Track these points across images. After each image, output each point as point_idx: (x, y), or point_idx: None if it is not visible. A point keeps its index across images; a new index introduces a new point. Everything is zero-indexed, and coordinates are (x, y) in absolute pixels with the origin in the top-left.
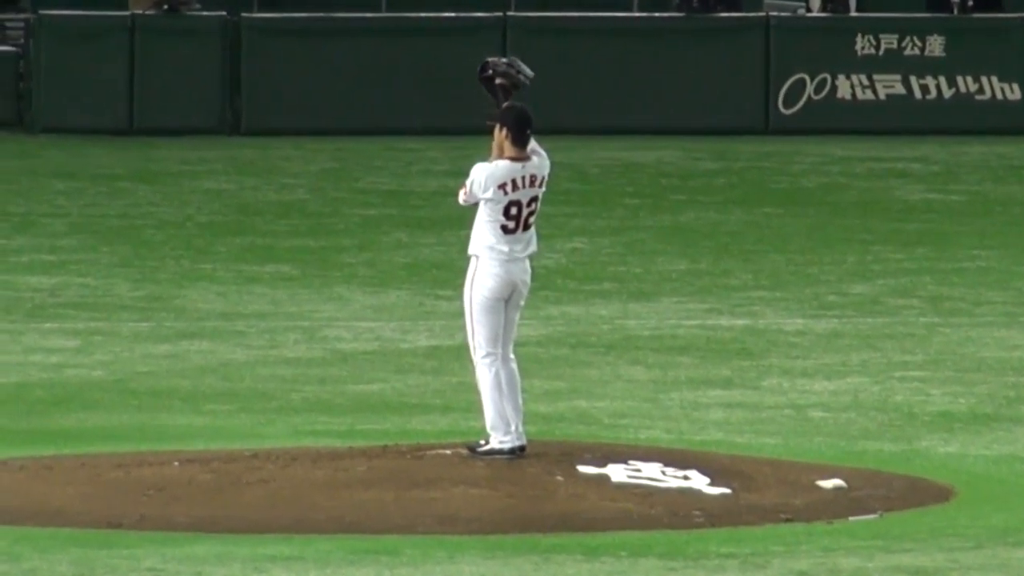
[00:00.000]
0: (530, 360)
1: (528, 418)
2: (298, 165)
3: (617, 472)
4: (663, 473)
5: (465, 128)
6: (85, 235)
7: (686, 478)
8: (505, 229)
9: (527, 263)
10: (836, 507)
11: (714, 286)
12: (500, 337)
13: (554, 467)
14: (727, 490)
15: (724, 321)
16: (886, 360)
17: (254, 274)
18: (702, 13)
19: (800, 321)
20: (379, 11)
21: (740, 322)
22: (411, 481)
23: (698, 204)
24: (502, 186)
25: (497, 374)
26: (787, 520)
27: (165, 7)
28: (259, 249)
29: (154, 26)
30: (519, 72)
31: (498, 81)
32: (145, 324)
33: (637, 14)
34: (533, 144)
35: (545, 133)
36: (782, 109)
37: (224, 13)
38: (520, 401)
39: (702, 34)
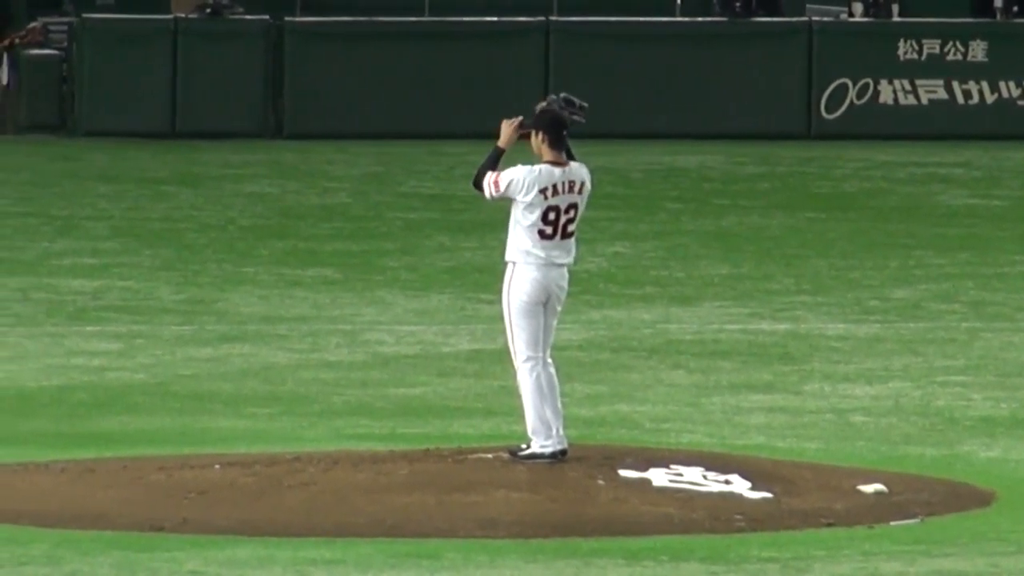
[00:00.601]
0: (572, 364)
1: (569, 422)
2: (341, 169)
3: (659, 476)
4: (704, 477)
5: None
6: (127, 238)
7: (728, 482)
8: (542, 234)
9: (565, 271)
10: (877, 511)
11: (756, 290)
12: (540, 341)
13: (596, 471)
14: (768, 494)
15: (766, 325)
16: (928, 365)
17: (296, 278)
18: (744, 18)
19: (842, 326)
20: (422, 15)
21: (782, 327)
22: (452, 485)
23: (741, 208)
24: (543, 190)
25: (538, 378)
26: (828, 524)
27: (208, 11)
28: (301, 253)
29: (197, 30)
30: (578, 107)
31: (574, 117)
32: (187, 327)
33: (680, 19)
34: (577, 166)
35: (588, 138)
36: (825, 114)
37: (267, 17)
38: (560, 405)
39: (745, 39)
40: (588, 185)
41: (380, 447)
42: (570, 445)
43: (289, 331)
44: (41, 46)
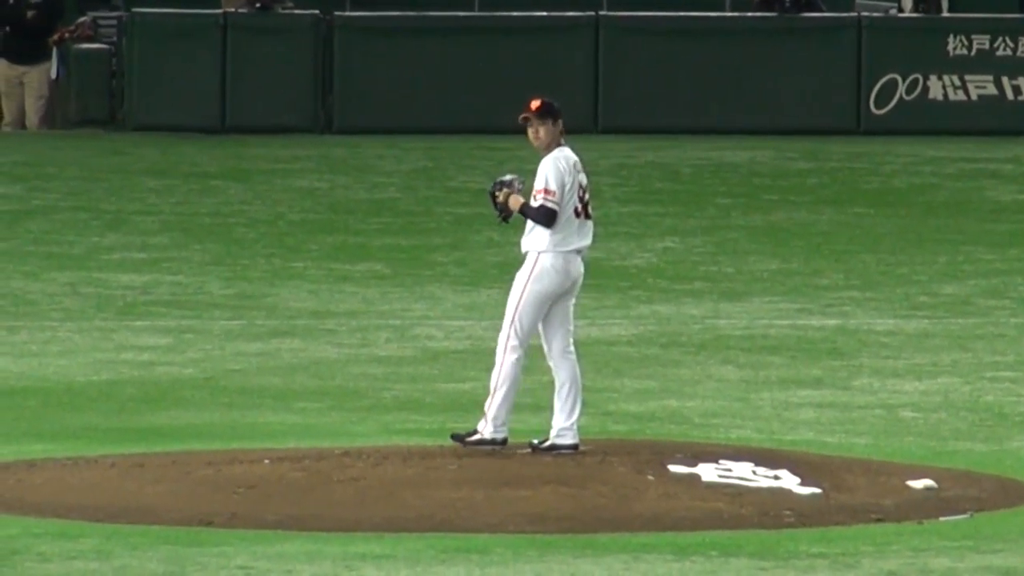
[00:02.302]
0: (621, 359)
1: (619, 417)
2: (390, 164)
3: (708, 472)
4: (754, 473)
5: None
6: (177, 233)
7: (777, 478)
8: (576, 212)
9: (585, 254)
10: (926, 507)
11: (805, 286)
12: (533, 331)
13: (645, 466)
14: (817, 490)
15: (815, 321)
16: (977, 360)
17: (346, 272)
18: (792, 13)
19: (891, 321)
20: (472, 10)
21: (831, 322)
22: (501, 480)
23: (790, 204)
24: (575, 164)
25: (520, 371)
26: (877, 520)
27: (258, 5)
28: (351, 248)
29: (246, 24)
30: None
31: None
32: (236, 322)
33: (730, 14)
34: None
35: (637, 132)
36: (874, 109)
37: (317, 12)
38: (579, 401)
39: (794, 34)
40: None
41: (429, 442)
42: (619, 440)
43: (338, 326)
44: (90, 40)
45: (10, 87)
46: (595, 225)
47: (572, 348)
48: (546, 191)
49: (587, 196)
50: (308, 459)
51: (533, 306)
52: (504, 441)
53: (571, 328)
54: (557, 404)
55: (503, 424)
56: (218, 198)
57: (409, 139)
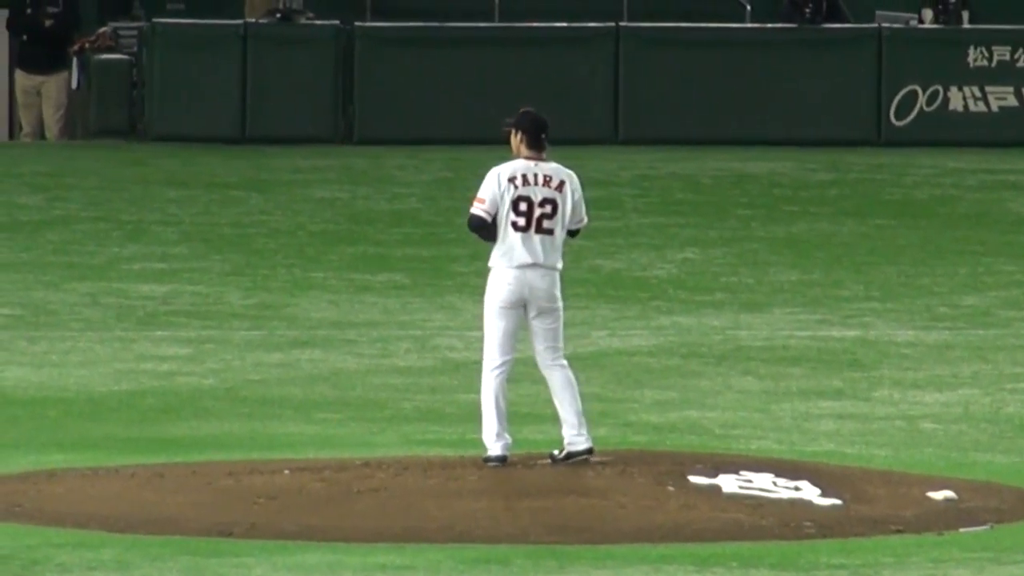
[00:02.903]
0: (641, 370)
1: (639, 428)
2: (411, 174)
3: (728, 483)
4: (774, 484)
5: (577, 138)
6: (197, 243)
7: (797, 489)
8: (515, 226)
9: (544, 272)
10: (946, 519)
11: (826, 297)
12: (509, 348)
13: (665, 477)
14: (838, 501)
15: (835, 332)
16: (997, 372)
17: (366, 283)
18: (816, 23)
19: (911, 332)
20: (492, 21)
21: (851, 333)
22: (522, 490)
23: (810, 215)
24: (512, 179)
25: (500, 387)
26: (897, 531)
27: (278, 16)
28: (371, 258)
29: (267, 35)
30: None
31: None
32: (256, 332)
33: (750, 25)
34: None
35: (658, 143)
36: (894, 121)
37: (337, 22)
38: (580, 405)
39: (815, 45)
40: (572, 186)
41: (450, 453)
42: (640, 451)
43: (359, 336)
44: (111, 50)
45: (28, 97)
46: (619, 239)
47: (562, 361)
48: (477, 198)
49: (539, 211)
50: (328, 470)
51: (489, 320)
52: (500, 459)
53: (556, 346)
54: (560, 413)
55: (496, 439)
56: (238, 208)
57: (430, 149)
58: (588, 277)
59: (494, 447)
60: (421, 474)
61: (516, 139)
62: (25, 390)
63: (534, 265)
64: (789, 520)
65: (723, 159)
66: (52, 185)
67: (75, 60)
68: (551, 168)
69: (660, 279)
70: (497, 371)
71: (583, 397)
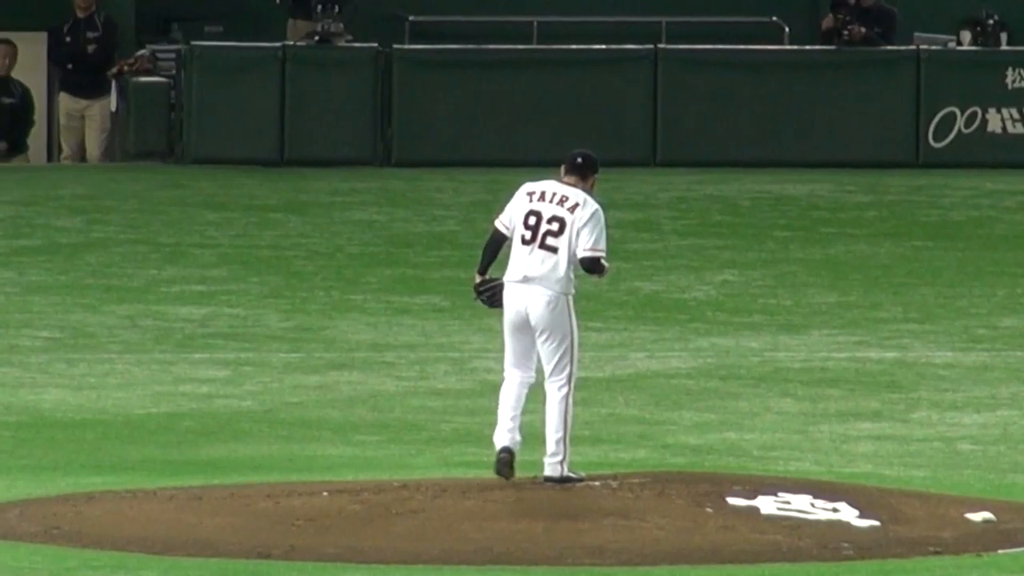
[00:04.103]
0: (680, 392)
1: (678, 450)
2: (449, 196)
3: (767, 504)
4: (812, 505)
5: (616, 160)
6: (235, 266)
7: (835, 510)
8: (523, 239)
9: (540, 290)
10: (985, 540)
11: (864, 319)
12: (518, 362)
13: (703, 499)
14: (876, 522)
15: (873, 354)
16: None
17: (404, 305)
18: (851, 47)
19: (950, 354)
20: (531, 43)
21: (890, 355)
22: (560, 512)
23: (848, 237)
24: (530, 193)
25: (520, 389)
26: (936, 553)
27: (317, 38)
28: (409, 280)
29: (306, 57)
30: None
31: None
32: (295, 355)
33: (789, 47)
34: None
35: (696, 165)
36: (932, 142)
37: (376, 45)
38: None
39: (853, 67)
40: (585, 210)
41: (488, 475)
42: (678, 473)
43: (397, 359)
44: (149, 73)
45: (71, 120)
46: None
47: (559, 384)
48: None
49: (545, 227)
50: (367, 492)
51: (505, 334)
52: (505, 449)
53: (554, 368)
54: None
55: (501, 433)
56: (277, 231)
57: (468, 172)
58: (627, 299)
59: (502, 439)
60: (459, 496)
61: (562, 169)
62: (64, 412)
63: (527, 279)
64: (827, 542)
65: (761, 181)
66: (91, 208)
67: (113, 84)
68: (574, 192)
69: (698, 301)
70: (519, 384)
71: (619, 419)
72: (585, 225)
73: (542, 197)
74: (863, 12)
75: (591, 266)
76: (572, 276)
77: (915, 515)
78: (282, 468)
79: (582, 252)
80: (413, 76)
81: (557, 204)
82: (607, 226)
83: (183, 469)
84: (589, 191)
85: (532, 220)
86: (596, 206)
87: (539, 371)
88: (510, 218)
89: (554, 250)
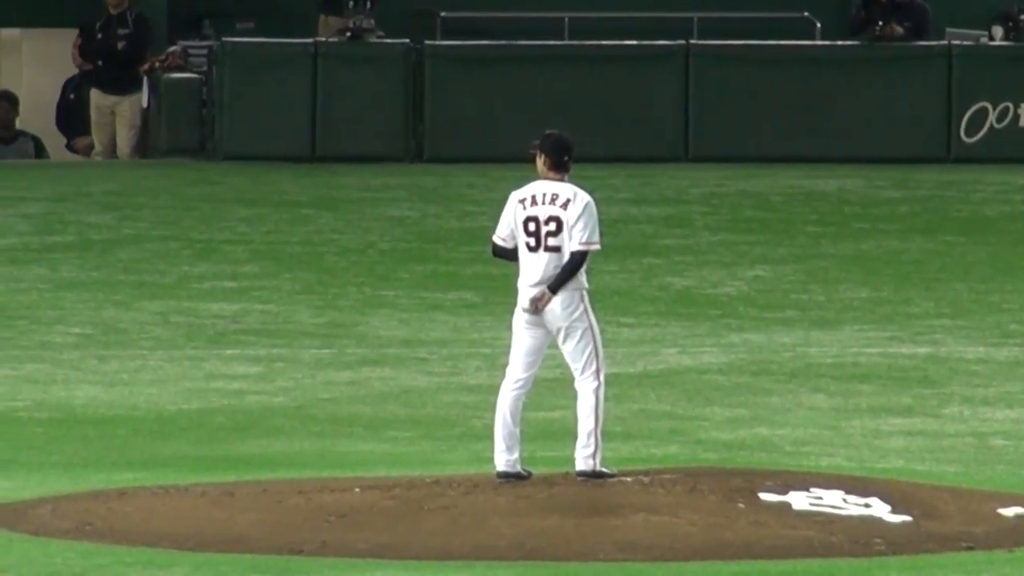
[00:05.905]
0: (712, 388)
1: (710, 445)
2: (480, 192)
3: (799, 500)
4: (844, 501)
5: (647, 156)
6: (267, 262)
7: (867, 506)
8: (528, 246)
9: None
10: (1017, 535)
11: (895, 314)
12: (529, 365)
13: (735, 494)
14: (908, 518)
15: (905, 349)
16: None
17: (436, 301)
18: (883, 42)
19: (982, 349)
20: (562, 39)
21: (922, 350)
22: (592, 508)
23: (880, 232)
24: (522, 200)
25: (514, 404)
26: (968, 548)
27: (348, 35)
28: (441, 276)
29: (337, 54)
30: None
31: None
32: (327, 351)
33: (820, 43)
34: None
35: (728, 161)
36: (964, 138)
37: (407, 41)
38: (594, 425)
39: (885, 63)
40: (578, 204)
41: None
42: (710, 468)
43: (429, 354)
44: (181, 70)
45: (102, 116)
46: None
47: (588, 378)
48: (495, 232)
49: (545, 228)
50: (399, 487)
51: (513, 337)
52: (505, 475)
53: (581, 365)
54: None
55: (499, 455)
56: (308, 227)
57: (499, 168)
58: (658, 295)
59: (499, 462)
60: (491, 492)
61: (540, 161)
62: (95, 409)
63: (540, 283)
64: (859, 537)
65: (793, 176)
66: (122, 204)
67: (145, 80)
68: (562, 187)
69: (730, 296)
70: (514, 388)
71: (651, 415)
72: (579, 219)
73: (534, 201)
74: (895, 8)
75: (579, 260)
76: (583, 272)
77: (947, 511)
78: (314, 464)
79: (575, 246)
80: (444, 72)
81: (549, 204)
82: (600, 220)
83: (215, 465)
84: (569, 177)
85: (532, 226)
86: (587, 198)
87: (538, 374)
88: (509, 231)
89: (557, 250)
